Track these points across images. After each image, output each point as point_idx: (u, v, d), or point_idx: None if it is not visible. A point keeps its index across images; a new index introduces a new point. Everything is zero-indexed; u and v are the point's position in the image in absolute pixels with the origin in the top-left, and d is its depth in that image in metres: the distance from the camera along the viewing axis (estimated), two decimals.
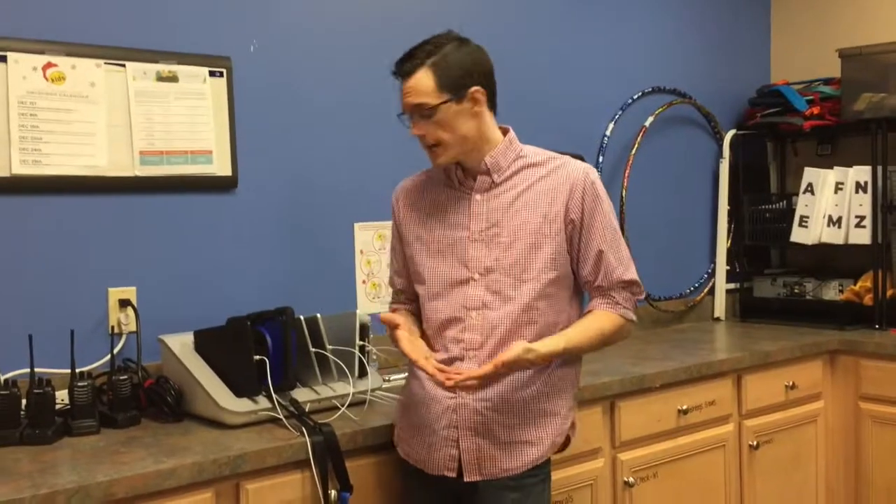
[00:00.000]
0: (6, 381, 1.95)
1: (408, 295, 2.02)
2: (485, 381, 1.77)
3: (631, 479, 2.44)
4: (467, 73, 1.80)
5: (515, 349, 1.74)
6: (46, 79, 2.14)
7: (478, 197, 1.87)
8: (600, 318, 1.86)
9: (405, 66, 1.81)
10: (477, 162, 1.86)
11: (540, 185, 1.85)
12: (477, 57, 1.84)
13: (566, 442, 1.93)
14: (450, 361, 1.84)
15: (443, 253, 1.88)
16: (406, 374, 2.01)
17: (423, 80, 1.78)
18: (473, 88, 1.81)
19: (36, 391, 1.91)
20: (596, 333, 1.85)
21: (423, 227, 1.92)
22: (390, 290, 2.09)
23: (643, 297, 1.88)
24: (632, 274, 1.88)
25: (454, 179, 1.90)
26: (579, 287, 1.91)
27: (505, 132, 1.90)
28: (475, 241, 1.85)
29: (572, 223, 1.84)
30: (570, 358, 1.88)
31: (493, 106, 1.88)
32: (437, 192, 1.93)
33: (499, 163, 1.86)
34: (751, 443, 2.79)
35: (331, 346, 2.12)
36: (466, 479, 1.82)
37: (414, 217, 1.94)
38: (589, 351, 1.88)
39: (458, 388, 1.77)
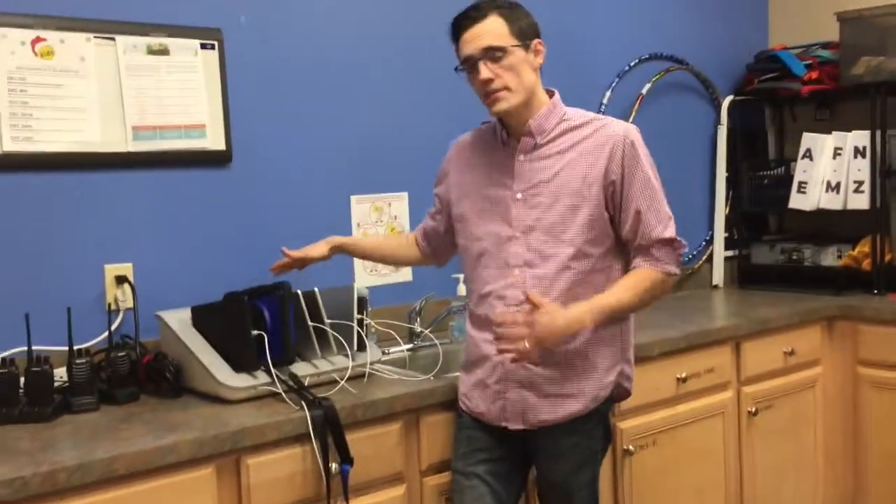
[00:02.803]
0: (4, 359, 1.94)
1: (429, 237, 2.20)
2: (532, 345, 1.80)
3: (630, 447, 2.45)
4: (532, 25, 1.91)
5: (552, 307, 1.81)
6: (35, 54, 2.11)
7: (521, 157, 1.94)
8: (643, 276, 1.91)
9: (473, 13, 1.87)
10: (523, 121, 1.92)
11: (581, 146, 1.91)
12: (533, 18, 1.93)
13: (624, 393, 2.04)
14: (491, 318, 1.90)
15: (488, 211, 1.96)
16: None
17: (496, 24, 1.86)
18: (537, 40, 1.90)
19: (34, 369, 1.91)
20: (641, 290, 1.90)
21: (471, 184, 2.00)
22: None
23: (685, 249, 1.97)
24: (670, 232, 1.91)
25: (499, 139, 1.97)
26: (620, 243, 1.96)
27: (550, 95, 1.96)
28: (517, 200, 1.92)
29: (612, 184, 1.89)
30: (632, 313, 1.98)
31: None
32: (485, 150, 2.01)
33: (542, 125, 1.92)
34: (749, 409, 2.80)
35: (329, 320, 2.11)
36: (511, 427, 1.94)
37: (464, 174, 2.03)
38: (637, 308, 1.94)
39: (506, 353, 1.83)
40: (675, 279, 1.98)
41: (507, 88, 1.86)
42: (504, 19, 1.86)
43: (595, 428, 1.99)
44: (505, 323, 1.81)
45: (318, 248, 2.19)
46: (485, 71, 1.85)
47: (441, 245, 2.20)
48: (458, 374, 2.09)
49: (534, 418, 1.93)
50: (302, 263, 2.19)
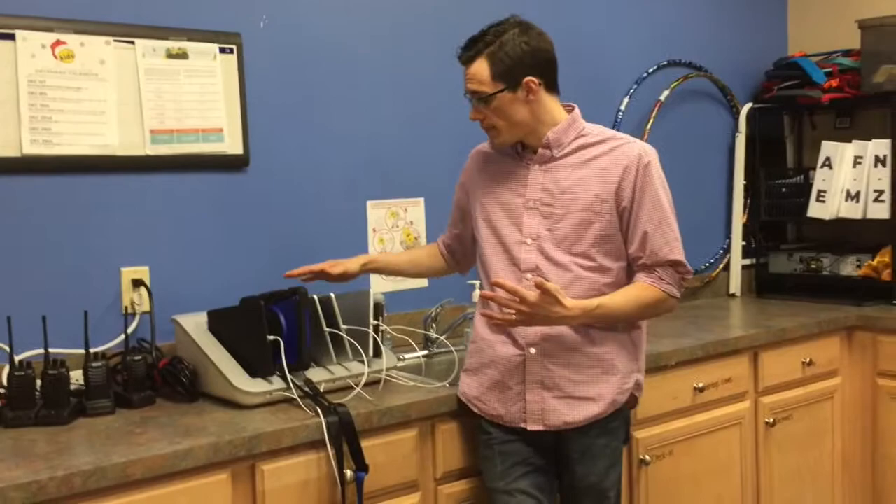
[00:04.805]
0: (21, 362, 1.94)
1: (450, 249, 2.24)
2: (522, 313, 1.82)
3: (647, 458, 2.43)
4: (521, 63, 1.88)
5: (555, 287, 1.80)
6: (55, 57, 2.12)
7: (535, 167, 1.97)
8: (639, 288, 1.93)
9: (465, 55, 1.92)
10: (538, 139, 1.95)
11: (595, 163, 1.93)
12: (535, 45, 1.90)
13: (633, 401, 2.04)
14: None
15: (500, 217, 1.99)
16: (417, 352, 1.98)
17: (480, 69, 1.88)
18: (527, 78, 1.88)
19: (50, 372, 1.91)
20: (632, 300, 1.91)
21: (486, 190, 2.04)
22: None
23: (690, 276, 2.00)
24: (676, 255, 1.94)
25: (515, 148, 2.00)
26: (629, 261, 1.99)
27: (570, 110, 1.98)
28: (529, 208, 1.95)
29: (623, 203, 1.91)
30: (625, 322, 1.96)
31: (554, 89, 1.95)
32: (500, 159, 2.04)
33: (560, 139, 1.95)
34: (767, 420, 2.77)
35: (345, 326, 2.11)
36: (530, 428, 1.94)
37: (480, 181, 2.07)
38: (625, 316, 1.93)
39: (500, 321, 1.87)
40: (676, 303, 1.98)
41: (494, 128, 1.93)
42: (489, 62, 1.87)
43: (619, 427, 2.02)
44: (505, 289, 1.80)
45: (351, 265, 2.14)
46: (473, 112, 1.94)
47: (464, 253, 2.23)
48: None
49: (555, 420, 1.93)
50: (328, 277, 2.13)
